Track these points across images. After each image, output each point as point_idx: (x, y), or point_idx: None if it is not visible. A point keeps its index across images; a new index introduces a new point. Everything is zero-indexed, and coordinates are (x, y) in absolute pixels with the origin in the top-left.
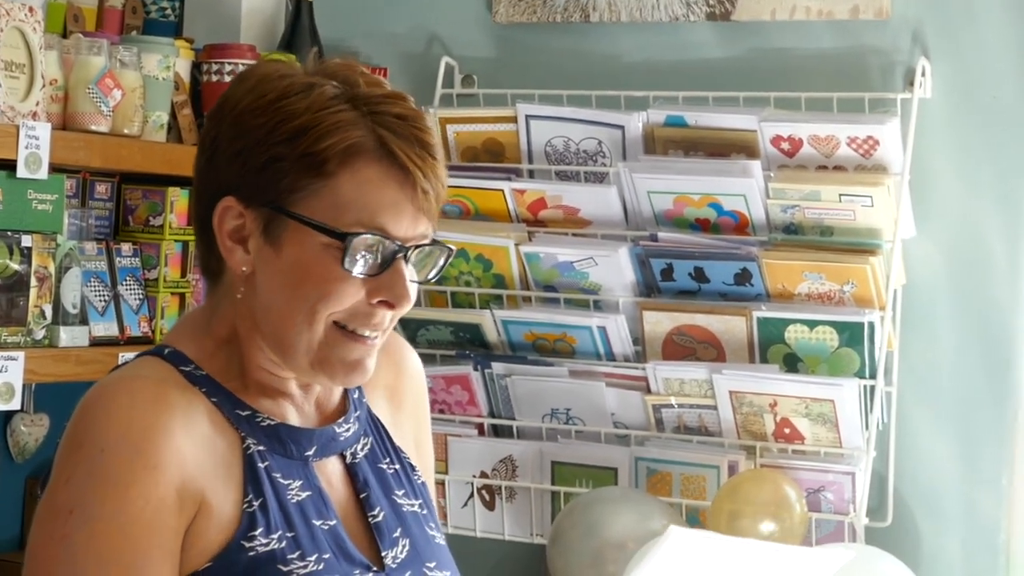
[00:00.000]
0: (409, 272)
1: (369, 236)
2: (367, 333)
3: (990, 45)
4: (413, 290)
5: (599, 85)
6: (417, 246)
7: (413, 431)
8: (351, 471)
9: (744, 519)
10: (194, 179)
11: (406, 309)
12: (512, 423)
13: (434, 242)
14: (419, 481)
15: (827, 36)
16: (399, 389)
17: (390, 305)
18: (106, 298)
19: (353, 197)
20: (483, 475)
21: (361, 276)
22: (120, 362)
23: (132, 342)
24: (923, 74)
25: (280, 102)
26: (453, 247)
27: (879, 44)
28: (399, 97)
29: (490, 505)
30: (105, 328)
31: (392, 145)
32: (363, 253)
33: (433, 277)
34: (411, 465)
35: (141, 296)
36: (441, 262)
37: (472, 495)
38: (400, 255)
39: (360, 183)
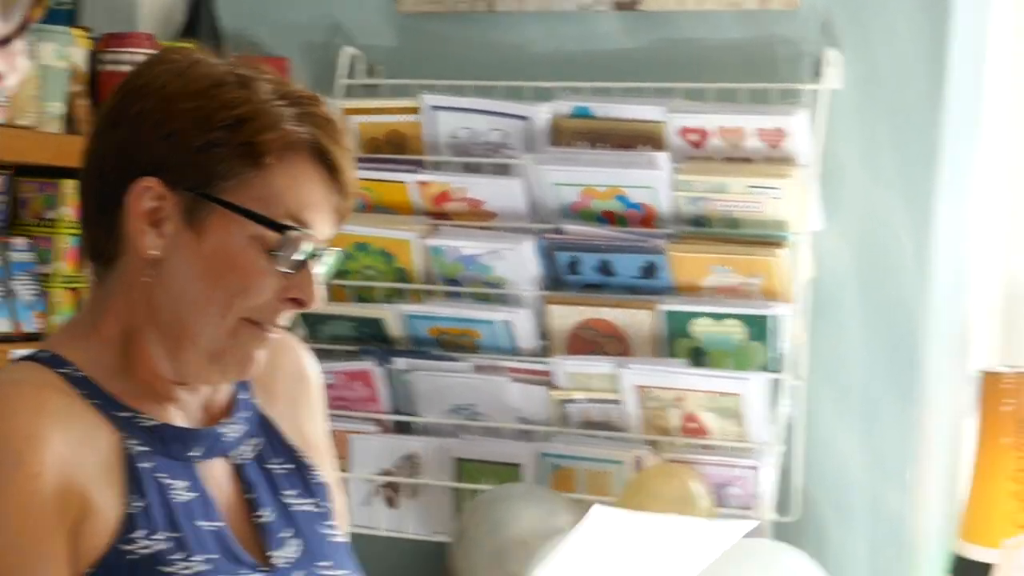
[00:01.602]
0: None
1: (301, 232)
2: (270, 328)
3: (899, 36)
4: (321, 291)
5: (505, 75)
6: (325, 249)
7: (311, 428)
8: (238, 472)
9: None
10: (96, 156)
11: (311, 310)
12: (415, 419)
13: (331, 247)
14: (317, 480)
15: (735, 26)
16: (290, 387)
17: (301, 304)
18: None
19: (283, 192)
20: (386, 472)
21: (284, 271)
22: (11, 359)
23: (26, 339)
24: (831, 64)
25: (216, 89)
26: (346, 252)
27: (788, 34)
28: (320, 99)
29: (392, 503)
30: None
31: (327, 147)
32: (290, 248)
33: (325, 280)
34: (308, 464)
35: (35, 291)
36: (335, 268)
37: (374, 493)
38: (315, 255)
39: (292, 178)
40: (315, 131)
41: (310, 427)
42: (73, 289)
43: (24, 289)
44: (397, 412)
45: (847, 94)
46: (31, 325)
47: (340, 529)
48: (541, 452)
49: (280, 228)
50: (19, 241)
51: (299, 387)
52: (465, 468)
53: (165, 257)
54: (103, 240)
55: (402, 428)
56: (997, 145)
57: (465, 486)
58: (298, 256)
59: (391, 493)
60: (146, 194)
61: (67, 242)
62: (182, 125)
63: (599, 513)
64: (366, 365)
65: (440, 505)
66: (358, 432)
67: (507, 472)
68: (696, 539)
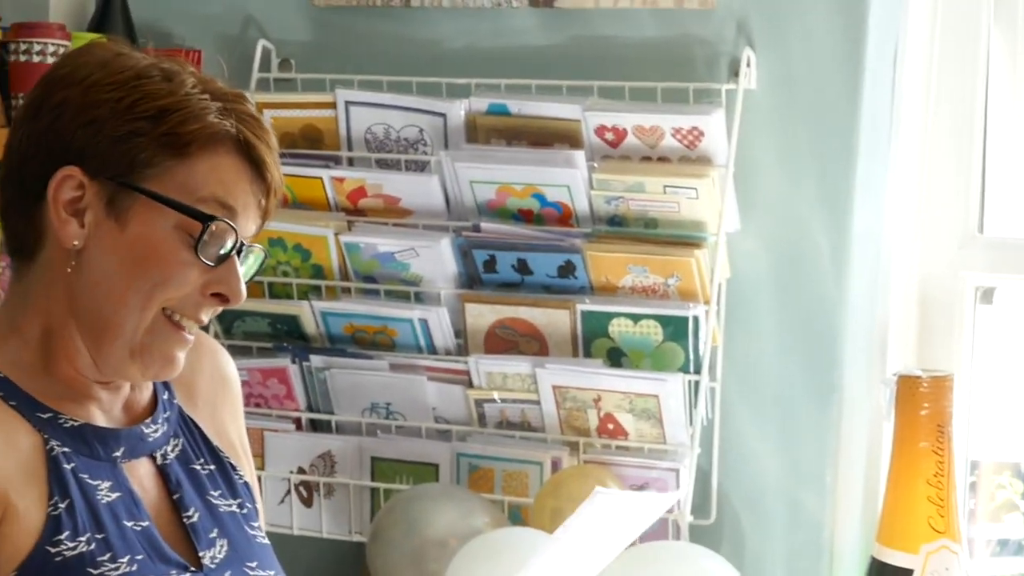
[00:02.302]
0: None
1: (222, 223)
2: (188, 325)
3: (816, 37)
4: (244, 287)
5: (420, 71)
6: (249, 245)
7: (232, 430)
8: (163, 472)
9: (567, 516)
10: (16, 145)
11: (236, 305)
12: (331, 418)
13: (255, 244)
14: (240, 481)
15: (651, 24)
16: (212, 389)
17: (224, 299)
18: None
19: (208, 182)
20: (300, 471)
21: (206, 263)
22: None
23: None
24: (748, 64)
25: (139, 80)
26: (268, 251)
27: (704, 33)
28: (245, 97)
29: (308, 502)
30: None
31: (253, 142)
32: (214, 240)
33: (249, 280)
34: (232, 465)
35: None
36: (256, 267)
37: (289, 491)
38: (237, 250)
39: (215, 169)
40: (239, 126)
41: (232, 429)
42: None
43: None
44: (313, 410)
45: (764, 94)
46: None
47: (262, 530)
48: (458, 452)
49: (202, 216)
50: None
51: (220, 389)
52: (381, 467)
53: (86, 248)
54: (23, 233)
55: (318, 426)
56: (912, 146)
57: (381, 485)
58: (222, 250)
59: (306, 492)
60: (67, 183)
61: None
62: (103, 114)
63: (602, 496)
64: (282, 362)
65: (356, 504)
66: (273, 430)
67: (424, 472)
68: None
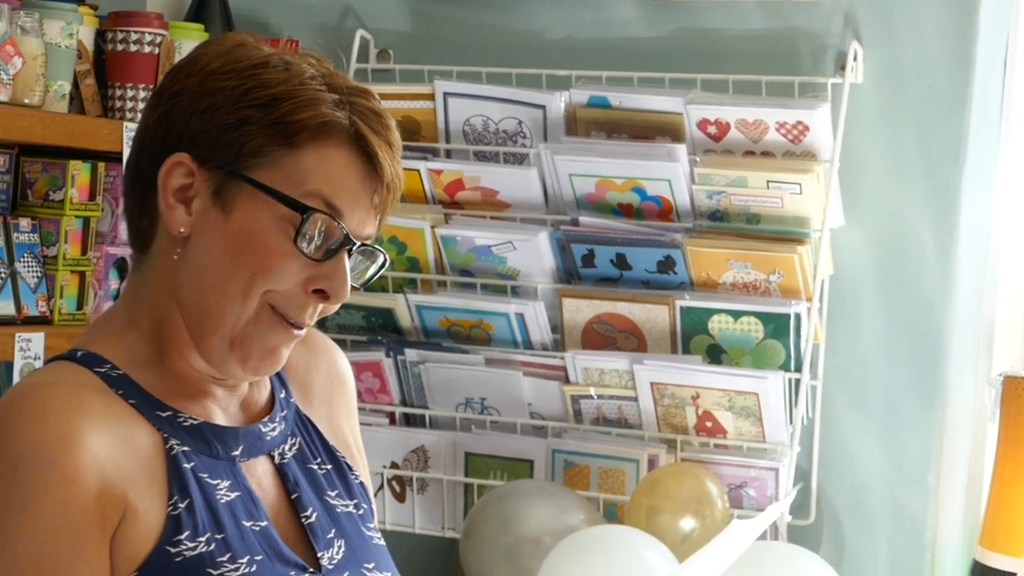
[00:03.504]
0: (349, 269)
1: (324, 216)
2: (295, 323)
3: (924, 31)
4: (349, 287)
5: (519, 63)
6: (363, 245)
7: (347, 430)
8: (281, 472)
9: (664, 515)
10: (138, 134)
11: (338, 305)
12: (425, 412)
13: (375, 247)
14: (356, 481)
15: (757, 17)
16: (327, 388)
17: (325, 296)
18: (2, 275)
19: (314, 173)
20: (394, 466)
21: (307, 256)
22: (16, 342)
23: (29, 322)
24: (855, 59)
25: (257, 69)
26: (387, 256)
27: (810, 26)
28: (371, 94)
29: (400, 497)
30: (1, 307)
31: (366, 135)
32: (316, 233)
33: (366, 283)
34: (348, 465)
35: (39, 274)
36: (373, 270)
37: (382, 486)
38: (347, 247)
39: (324, 161)
40: (356, 119)
41: (347, 429)
42: (78, 272)
43: (27, 271)
44: (407, 404)
45: (870, 89)
46: (35, 309)
47: (378, 532)
48: (553, 448)
49: (303, 208)
50: (23, 222)
51: (336, 388)
52: (475, 463)
53: (192, 236)
54: (139, 222)
55: (411, 421)
56: (1021, 143)
57: (475, 481)
58: (326, 245)
59: (399, 487)
60: (176, 169)
61: (73, 224)
62: (217, 101)
63: (738, 528)
64: (376, 356)
65: (449, 500)
66: (367, 424)
67: (518, 468)
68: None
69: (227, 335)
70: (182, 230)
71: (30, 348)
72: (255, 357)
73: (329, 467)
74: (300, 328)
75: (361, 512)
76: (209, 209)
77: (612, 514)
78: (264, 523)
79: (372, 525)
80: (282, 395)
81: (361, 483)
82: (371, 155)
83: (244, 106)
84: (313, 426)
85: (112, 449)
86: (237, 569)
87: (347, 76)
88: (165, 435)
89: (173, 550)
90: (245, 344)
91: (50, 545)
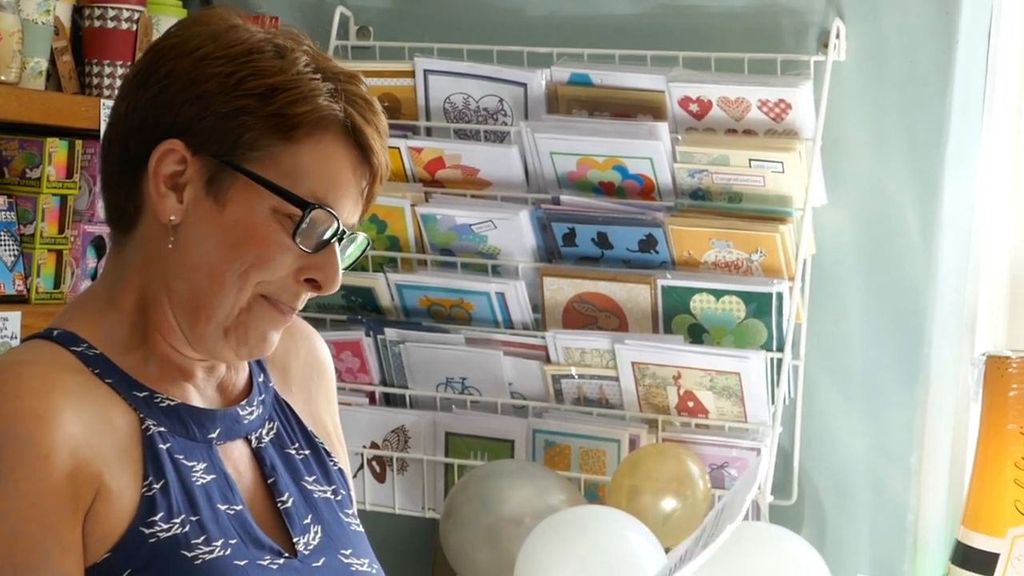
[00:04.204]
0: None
1: (325, 212)
2: (286, 308)
3: (906, 8)
4: (340, 275)
5: (501, 40)
6: (350, 233)
7: (327, 417)
8: (258, 456)
9: (645, 495)
10: (124, 114)
11: (330, 292)
12: (405, 392)
13: (359, 233)
14: (335, 468)
15: None
16: (306, 374)
17: (317, 286)
18: None
19: (311, 169)
20: (374, 446)
21: (303, 250)
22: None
23: (6, 301)
24: (837, 36)
25: (251, 56)
26: (370, 239)
27: (793, 4)
28: (360, 79)
29: (380, 477)
30: None
31: (360, 126)
32: (313, 227)
33: (348, 267)
34: (326, 451)
35: (16, 252)
36: (356, 253)
37: (362, 466)
38: (338, 237)
39: (321, 156)
40: (349, 109)
41: (326, 415)
42: (55, 251)
43: (4, 250)
44: (386, 384)
45: (853, 66)
46: (11, 287)
47: (356, 518)
48: (534, 428)
49: (303, 205)
50: (0, 200)
51: (314, 374)
52: (456, 443)
53: (183, 224)
54: (123, 204)
55: (391, 400)
56: (1006, 120)
57: (456, 461)
58: (320, 237)
59: (379, 467)
60: (169, 156)
61: (50, 202)
62: (211, 88)
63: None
64: (356, 335)
65: (429, 480)
66: (346, 404)
67: (499, 448)
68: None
69: (221, 324)
70: (172, 218)
71: (7, 327)
72: (250, 343)
73: (307, 452)
74: (292, 313)
75: (339, 498)
76: (202, 199)
77: (593, 494)
78: (239, 507)
79: (350, 511)
80: (260, 379)
81: (340, 469)
82: (365, 147)
83: (240, 95)
84: (291, 411)
85: (87, 428)
86: (212, 552)
87: (330, 57)
88: (141, 415)
89: (147, 531)
90: (240, 332)
91: (23, 522)
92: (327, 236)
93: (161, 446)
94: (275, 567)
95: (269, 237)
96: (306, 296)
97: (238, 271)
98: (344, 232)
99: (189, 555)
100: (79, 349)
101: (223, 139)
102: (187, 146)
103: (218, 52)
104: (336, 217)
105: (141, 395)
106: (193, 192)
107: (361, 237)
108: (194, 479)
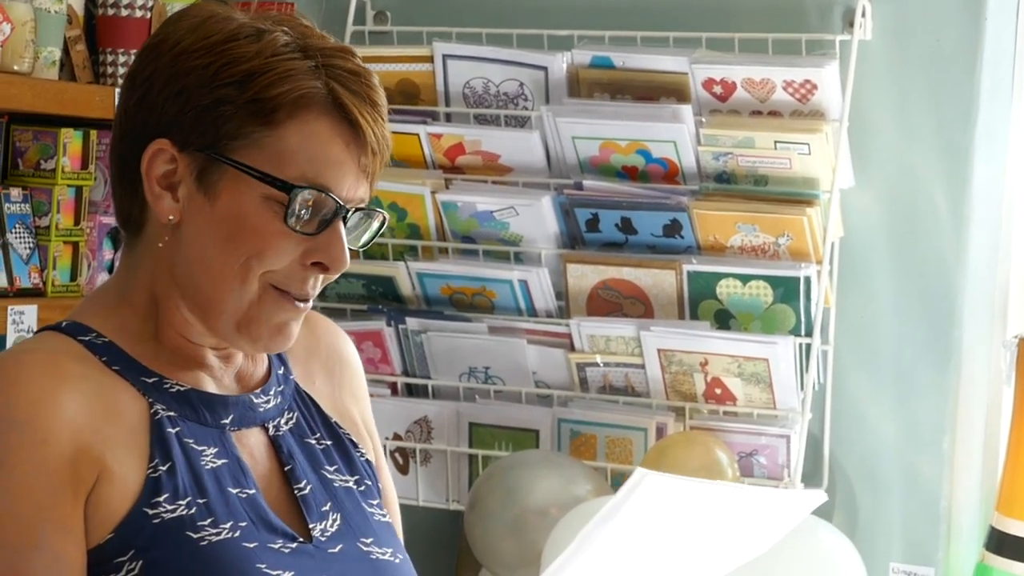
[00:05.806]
0: (345, 235)
1: (313, 192)
2: (298, 297)
3: None
4: (348, 255)
5: (520, 23)
6: (357, 209)
7: (356, 411)
8: (275, 444)
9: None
10: (118, 120)
11: (338, 274)
12: (427, 382)
13: (371, 207)
14: (362, 459)
15: None
16: (328, 368)
17: (324, 268)
18: None
19: (298, 150)
20: (396, 437)
21: (300, 233)
22: (8, 315)
23: (22, 294)
24: (863, 14)
25: (227, 44)
26: (387, 215)
27: None
28: (349, 52)
29: (403, 469)
30: None
31: (345, 100)
32: (305, 209)
33: (365, 245)
34: (352, 441)
35: (32, 245)
36: (375, 227)
37: (385, 458)
38: (340, 216)
39: (307, 136)
40: (333, 84)
41: (354, 409)
42: (71, 243)
43: (19, 242)
44: (408, 374)
45: (879, 45)
46: (27, 280)
47: (387, 509)
48: (559, 418)
49: (288, 188)
50: (14, 192)
51: (338, 369)
52: (479, 433)
53: (183, 222)
54: (129, 207)
55: (414, 391)
56: None
57: (480, 452)
58: (319, 217)
59: (402, 459)
60: (158, 157)
61: (65, 193)
62: (191, 83)
63: (650, 482)
64: (377, 325)
65: (453, 472)
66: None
67: (523, 438)
68: (753, 511)
69: (232, 318)
70: (171, 218)
71: (23, 321)
72: (265, 336)
73: (329, 443)
74: (305, 301)
75: (363, 488)
76: (195, 195)
77: (620, 484)
78: (252, 491)
79: (375, 502)
80: (280, 371)
81: (367, 460)
82: (352, 121)
83: (219, 85)
84: (314, 403)
85: (89, 412)
86: (219, 533)
87: (325, 35)
88: (150, 400)
89: (151, 511)
90: (252, 325)
91: (18, 505)
92: (328, 216)
93: (169, 430)
94: (287, 551)
95: (263, 226)
96: (317, 281)
97: (239, 263)
98: (347, 210)
99: (195, 536)
100: (87, 338)
101: (206, 132)
102: (174, 144)
103: (195, 45)
104: (332, 196)
105: (150, 380)
106: (186, 189)
107: (377, 214)
108: (203, 463)
